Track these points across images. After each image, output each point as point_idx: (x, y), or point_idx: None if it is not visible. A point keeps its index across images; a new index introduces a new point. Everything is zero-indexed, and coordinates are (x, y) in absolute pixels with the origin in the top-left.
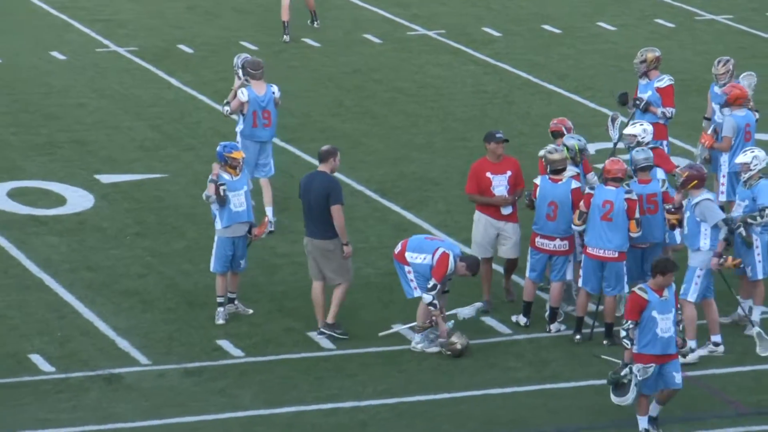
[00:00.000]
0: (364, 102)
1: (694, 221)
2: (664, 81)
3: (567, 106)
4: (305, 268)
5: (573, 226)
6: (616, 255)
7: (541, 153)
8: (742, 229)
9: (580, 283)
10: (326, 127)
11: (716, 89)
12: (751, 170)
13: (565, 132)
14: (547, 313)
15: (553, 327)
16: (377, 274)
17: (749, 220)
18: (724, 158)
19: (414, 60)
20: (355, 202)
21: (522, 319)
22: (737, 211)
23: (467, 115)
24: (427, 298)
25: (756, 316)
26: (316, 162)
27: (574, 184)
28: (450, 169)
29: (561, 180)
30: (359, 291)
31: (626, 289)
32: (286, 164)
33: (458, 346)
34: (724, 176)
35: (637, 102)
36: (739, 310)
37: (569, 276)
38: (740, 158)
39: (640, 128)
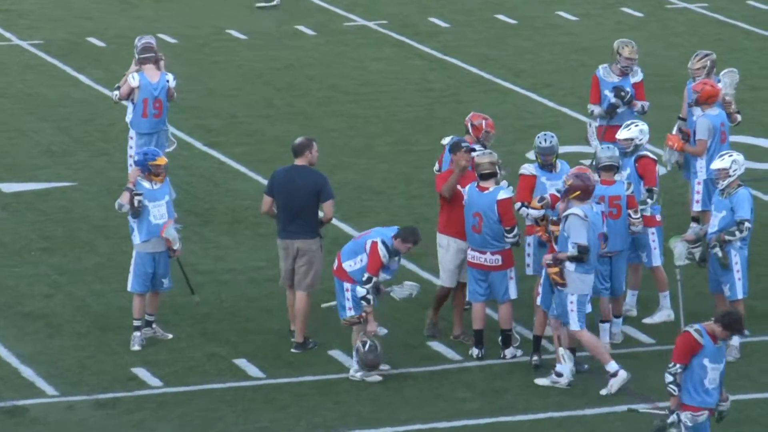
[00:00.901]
0: (297, 102)
1: (564, 236)
2: (639, 74)
3: (523, 105)
4: (230, 286)
5: (529, 211)
6: None
7: (445, 141)
8: (717, 249)
9: (537, 301)
10: (254, 130)
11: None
12: (729, 176)
13: (469, 129)
14: (500, 338)
15: (508, 352)
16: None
17: (727, 237)
18: (700, 164)
19: (352, 54)
20: None
21: (474, 351)
22: (713, 223)
23: (412, 116)
24: (361, 291)
25: (735, 340)
26: (242, 168)
27: (502, 194)
28: (392, 176)
29: (488, 189)
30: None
31: (588, 308)
32: (210, 171)
33: (374, 343)
34: (699, 183)
35: (623, 93)
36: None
37: (513, 294)
38: (717, 163)
39: (636, 130)
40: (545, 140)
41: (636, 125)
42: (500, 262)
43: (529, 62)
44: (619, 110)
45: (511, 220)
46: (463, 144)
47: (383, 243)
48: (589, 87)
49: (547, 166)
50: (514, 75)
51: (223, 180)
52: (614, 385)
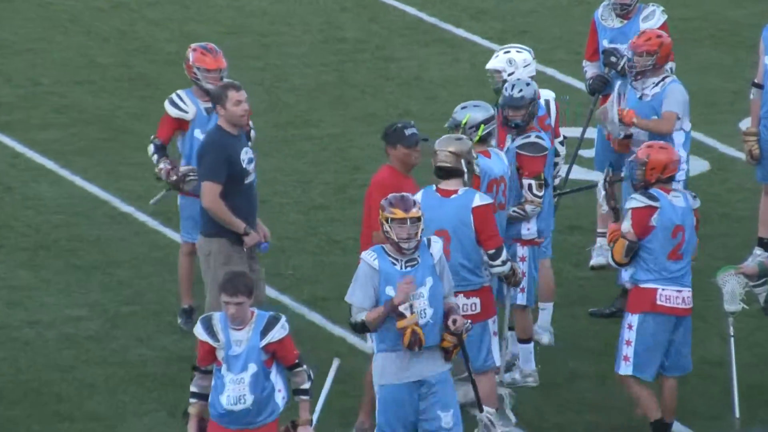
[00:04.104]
0: (134, 60)
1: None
2: (656, 17)
3: (486, 64)
4: (33, 348)
5: (610, 262)
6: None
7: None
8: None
9: (630, 370)
10: (68, 104)
11: None
12: None
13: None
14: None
15: None
16: (159, 360)
17: None
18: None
19: None
20: (122, 234)
21: None
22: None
23: (312, 82)
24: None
25: None
26: (50, 163)
27: (479, 200)
28: (281, 176)
29: (454, 192)
30: (132, 386)
31: None
32: None
33: None
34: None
35: (613, 59)
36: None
37: (497, 360)
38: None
39: (505, 58)
40: (512, 87)
41: (506, 51)
42: (477, 308)
43: None
44: (614, 81)
45: (496, 238)
46: (412, 132)
47: (202, 320)
48: (587, 37)
49: (513, 129)
50: (472, 18)
51: (20, 182)
52: None
